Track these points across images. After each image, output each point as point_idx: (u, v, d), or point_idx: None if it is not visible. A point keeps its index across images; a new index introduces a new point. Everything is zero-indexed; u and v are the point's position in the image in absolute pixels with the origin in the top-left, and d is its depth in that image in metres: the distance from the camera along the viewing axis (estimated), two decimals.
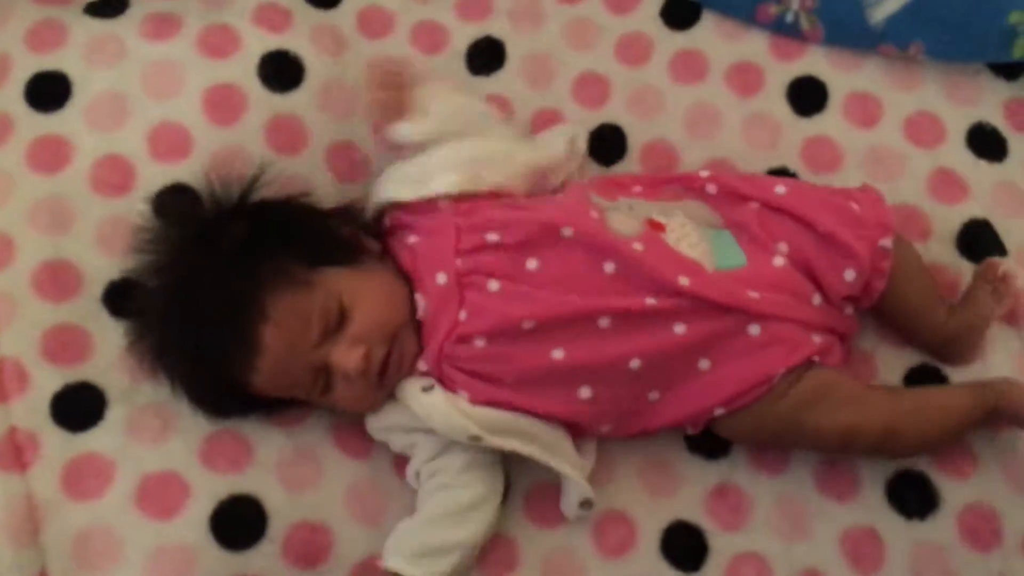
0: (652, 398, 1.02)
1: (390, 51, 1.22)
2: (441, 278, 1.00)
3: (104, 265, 1.07)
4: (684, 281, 0.99)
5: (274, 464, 1.03)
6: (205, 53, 1.14)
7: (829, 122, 1.19)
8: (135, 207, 1.08)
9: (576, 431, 1.04)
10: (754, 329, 1.00)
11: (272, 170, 1.06)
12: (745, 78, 1.22)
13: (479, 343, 0.98)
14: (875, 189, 1.07)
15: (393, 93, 1.05)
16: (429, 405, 0.99)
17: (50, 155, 1.10)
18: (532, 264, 1.00)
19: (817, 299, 1.03)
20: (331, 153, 1.15)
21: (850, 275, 1.02)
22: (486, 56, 1.23)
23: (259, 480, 1.01)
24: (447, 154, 1.05)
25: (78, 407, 1.02)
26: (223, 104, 1.13)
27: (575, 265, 1.00)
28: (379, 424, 1.04)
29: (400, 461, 1.05)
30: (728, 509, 1.06)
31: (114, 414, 1.02)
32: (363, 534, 1.02)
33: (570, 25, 1.24)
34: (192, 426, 1.03)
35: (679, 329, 0.99)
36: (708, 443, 1.08)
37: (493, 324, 0.98)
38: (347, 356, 0.97)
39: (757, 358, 1.00)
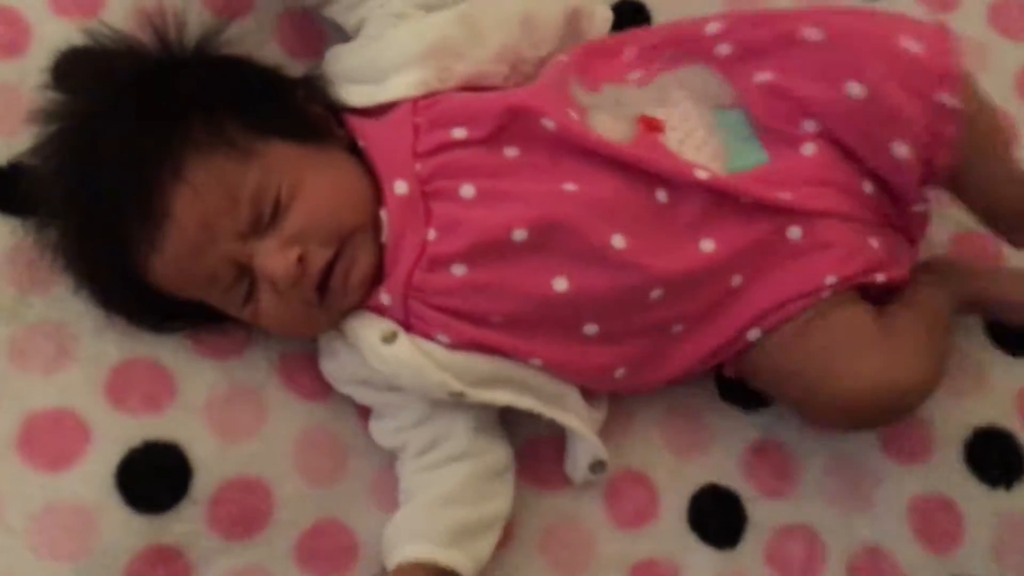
0: (675, 331, 0.81)
1: None
2: (400, 187, 0.77)
3: None
4: (702, 175, 0.78)
5: (203, 404, 0.80)
6: None
7: (899, 3, 1.00)
8: (30, 74, 0.84)
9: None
10: (795, 232, 0.79)
11: (207, 33, 0.82)
12: None
13: (457, 270, 0.76)
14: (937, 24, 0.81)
15: None
16: (393, 359, 0.77)
17: None
18: (511, 152, 0.78)
19: (868, 186, 0.81)
20: (283, 21, 0.92)
21: (900, 150, 0.77)
22: None
23: (182, 424, 0.79)
24: (403, 41, 0.81)
25: None
26: None
27: (564, 155, 0.78)
28: (339, 373, 0.82)
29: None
30: (770, 471, 0.87)
31: None
32: (313, 496, 0.81)
33: None
34: (97, 353, 0.80)
35: (707, 246, 0.78)
36: (745, 390, 0.88)
37: (473, 240, 0.75)
38: (274, 258, 0.75)
39: (800, 264, 0.80)
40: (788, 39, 0.81)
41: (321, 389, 0.83)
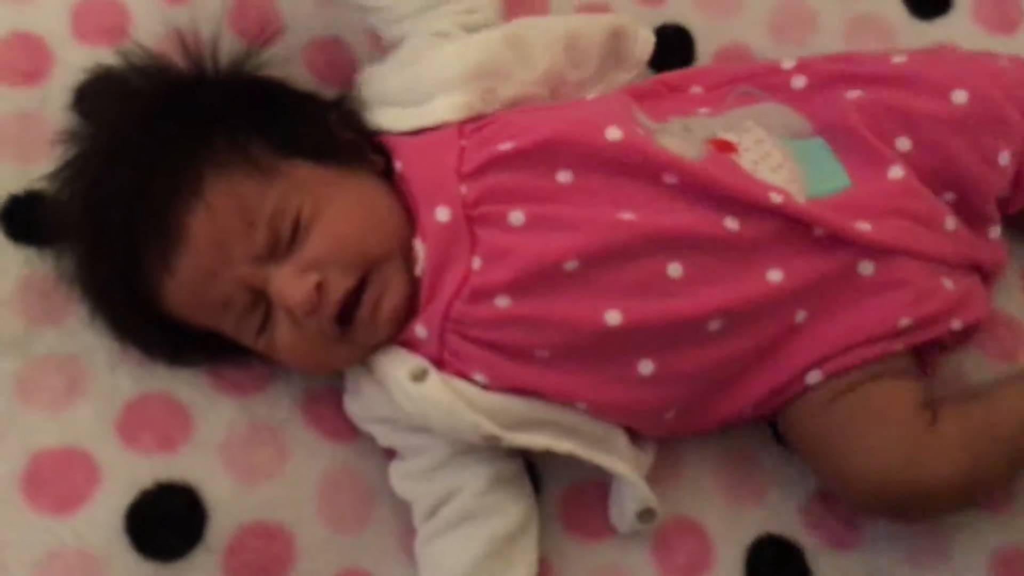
0: (732, 370, 0.74)
1: None
2: (442, 214, 0.72)
3: (3, 175, 0.81)
4: (776, 198, 0.72)
5: (220, 444, 0.75)
6: None
7: (956, 26, 0.96)
8: (50, 101, 0.81)
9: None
10: (867, 267, 0.74)
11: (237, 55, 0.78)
12: None
13: (500, 301, 0.70)
14: None
15: None
16: (423, 399, 0.71)
17: None
18: (564, 176, 0.72)
19: (951, 223, 0.76)
20: (311, 49, 0.89)
21: (1004, 158, 0.75)
22: None
23: (198, 464, 0.74)
24: (447, 62, 0.77)
25: None
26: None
27: (624, 179, 0.72)
28: (362, 411, 0.76)
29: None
30: (836, 520, 0.79)
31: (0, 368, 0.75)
32: (337, 543, 0.75)
33: None
34: (110, 387, 0.75)
35: (774, 276, 0.72)
36: None
37: (520, 270, 0.70)
38: (291, 283, 0.69)
39: (872, 303, 0.74)
40: (878, 62, 0.79)
41: (347, 429, 0.77)
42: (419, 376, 0.71)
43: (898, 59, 0.79)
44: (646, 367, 0.72)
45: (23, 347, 0.75)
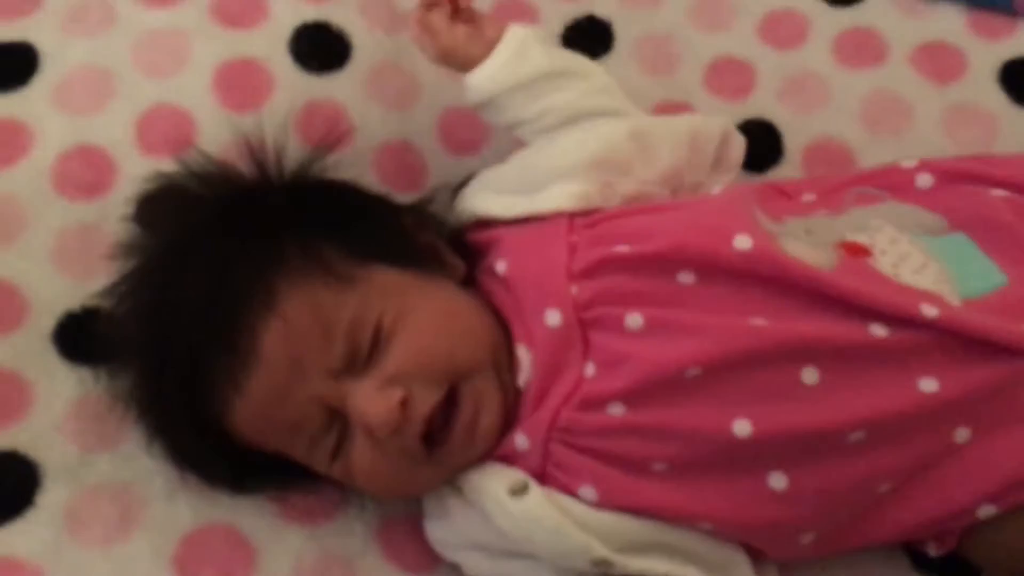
0: (881, 491, 0.65)
1: None
2: (552, 318, 0.65)
3: (60, 291, 0.76)
4: (930, 311, 0.64)
5: None
6: (220, 22, 0.87)
7: None
8: (111, 213, 0.77)
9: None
10: None
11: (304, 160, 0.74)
12: (939, 61, 0.91)
13: (615, 409, 0.63)
14: None
15: (458, 25, 0.76)
16: (524, 516, 0.63)
17: (3, 142, 0.81)
18: (686, 278, 0.66)
19: None
20: (381, 154, 0.85)
21: None
22: (588, 38, 0.93)
23: None
24: (568, 149, 0.73)
25: None
26: (240, 84, 0.85)
27: (753, 287, 0.65)
28: (449, 537, 0.69)
29: None
30: None
31: (50, 499, 0.68)
32: None
33: (695, 4, 0.95)
34: (166, 519, 0.68)
35: (928, 386, 0.63)
36: (947, 566, 0.71)
37: (638, 378, 0.63)
38: (373, 400, 0.63)
39: None
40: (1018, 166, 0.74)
41: (429, 562, 0.70)
42: (519, 490, 0.63)
43: None
44: (778, 481, 0.63)
45: (75, 475, 0.69)
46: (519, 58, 0.76)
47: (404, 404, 0.63)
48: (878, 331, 0.64)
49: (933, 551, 0.69)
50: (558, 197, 0.71)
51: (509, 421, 0.66)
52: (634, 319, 0.64)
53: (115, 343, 0.70)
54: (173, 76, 0.84)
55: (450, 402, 0.65)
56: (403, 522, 0.71)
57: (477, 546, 0.67)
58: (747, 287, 0.65)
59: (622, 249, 0.66)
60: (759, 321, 0.63)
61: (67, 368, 0.73)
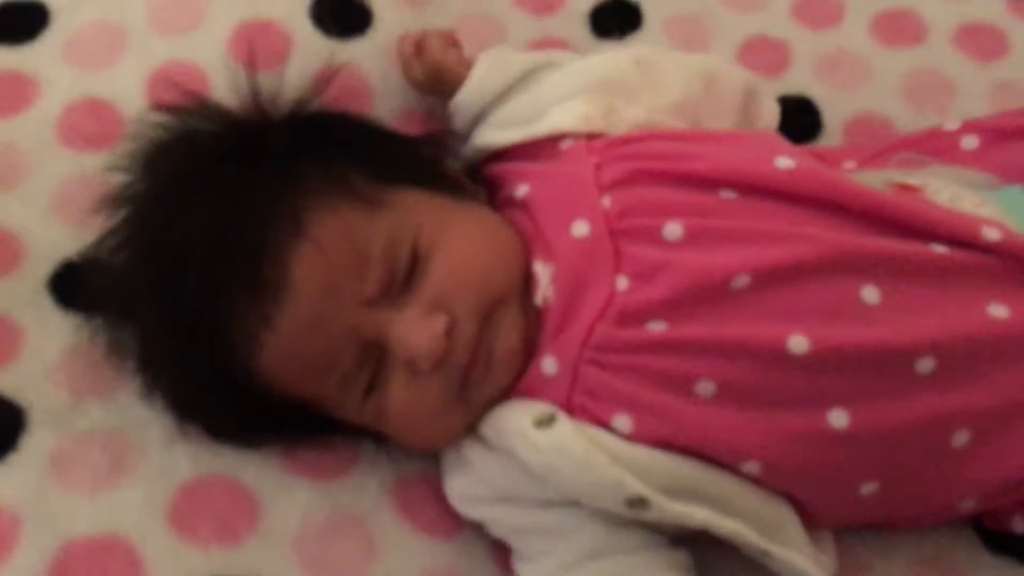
0: (954, 443, 0.58)
1: (487, 11, 0.90)
2: (580, 228, 0.60)
3: (58, 239, 0.71)
4: (992, 234, 0.59)
5: (293, 536, 0.60)
6: None
7: None
8: (117, 165, 0.73)
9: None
10: None
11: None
12: (981, 41, 0.88)
13: (655, 326, 0.57)
14: None
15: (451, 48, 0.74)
16: (551, 447, 0.57)
17: (7, 93, 0.77)
18: (728, 194, 0.61)
19: None
20: (402, 121, 0.81)
21: None
22: (617, 17, 0.90)
23: (266, 560, 0.59)
24: (566, 76, 0.70)
25: None
26: (258, 43, 0.80)
27: (799, 207, 0.60)
28: (473, 489, 0.62)
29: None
30: None
31: (35, 443, 0.62)
32: None
33: None
34: (163, 468, 0.62)
35: (998, 312, 0.58)
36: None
37: (678, 287, 0.57)
38: (418, 328, 0.57)
39: None
40: None
41: (448, 524, 0.63)
42: (545, 421, 0.57)
43: None
44: (839, 418, 0.57)
45: (64, 420, 0.63)
46: (501, 62, 0.74)
47: (449, 332, 0.58)
48: (939, 249, 0.59)
49: (1020, 526, 0.62)
50: (558, 117, 0.67)
51: (531, 347, 0.60)
52: (673, 228, 0.59)
53: (116, 290, 0.65)
54: (188, 33, 0.80)
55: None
56: (419, 482, 0.65)
57: (502, 497, 0.61)
58: (795, 205, 0.60)
59: (658, 164, 0.62)
60: (812, 230, 0.58)
61: (61, 316, 0.68)
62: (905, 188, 0.65)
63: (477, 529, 0.63)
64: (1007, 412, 0.58)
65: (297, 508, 0.61)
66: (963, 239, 0.59)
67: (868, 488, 0.59)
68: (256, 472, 0.62)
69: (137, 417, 0.63)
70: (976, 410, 0.58)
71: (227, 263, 0.58)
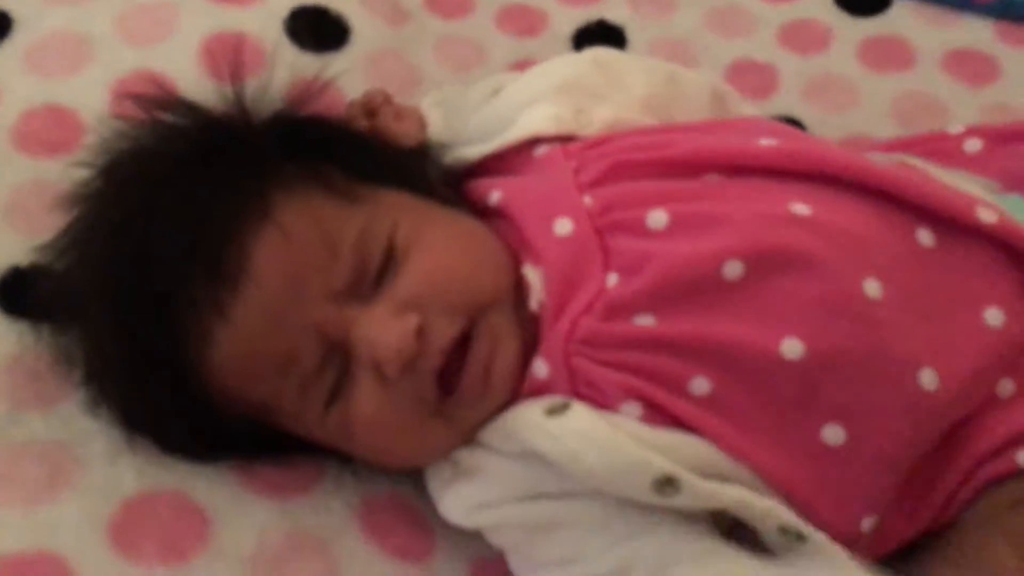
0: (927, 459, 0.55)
1: (468, 34, 0.88)
2: (563, 226, 0.57)
3: (7, 245, 0.67)
4: (987, 216, 0.57)
5: (247, 555, 0.55)
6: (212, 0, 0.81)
7: None
8: (73, 172, 0.69)
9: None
10: None
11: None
12: (971, 66, 0.87)
13: (643, 320, 0.54)
14: None
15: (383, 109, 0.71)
16: (569, 432, 0.52)
17: None
18: (714, 177, 0.58)
19: None
20: None
21: None
22: (600, 40, 0.88)
23: None
24: (527, 82, 0.68)
25: None
26: (228, 55, 0.76)
27: (787, 182, 0.57)
28: (476, 497, 0.56)
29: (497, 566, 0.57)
30: None
31: None
32: None
33: (712, 12, 0.91)
34: (105, 483, 0.56)
35: (993, 318, 0.55)
36: None
37: (665, 276, 0.53)
38: (385, 327, 0.53)
39: None
40: None
41: (419, 548, 0.58)
42: (558, 409, 0.53)
43: None
44: (835, 435, 0.52)
45: (2, 432, 0.58)
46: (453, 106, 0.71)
47: (420, 333, 0.53)
48: (925, 238, 0.56)
49: None
50: (528, 121, 0.64)
51: (529, 357, 0.56)
52: (657, 217, 0.55)
53: (65, 293, 0.60)
54: (157, 44, 0.78)
55: (464, 343, 0.55)
56: (387, 504, 0.59)
57: (519, 498, 0.55)
58: (784, 182, 0.57)
59: (636, 155, 0.59)
60: (801, 207, 0.55)
61: (6, 323, 0.63)
62: (903, 165, 0.63)
63: (450, 552, 0.57)
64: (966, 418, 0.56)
65: (252, 527, 0.56)
66: (957, 217, 0.56)
67: (867, 523, 0.54)
68: (208, 488, 0.57)
69: (80, 429, 0.58)
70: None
71: (186, 250, 0.54)
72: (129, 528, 0.54)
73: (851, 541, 0.54)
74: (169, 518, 0.55)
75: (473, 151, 0.66)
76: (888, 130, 0.83)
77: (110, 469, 0.57)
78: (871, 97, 0.85)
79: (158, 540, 0.54)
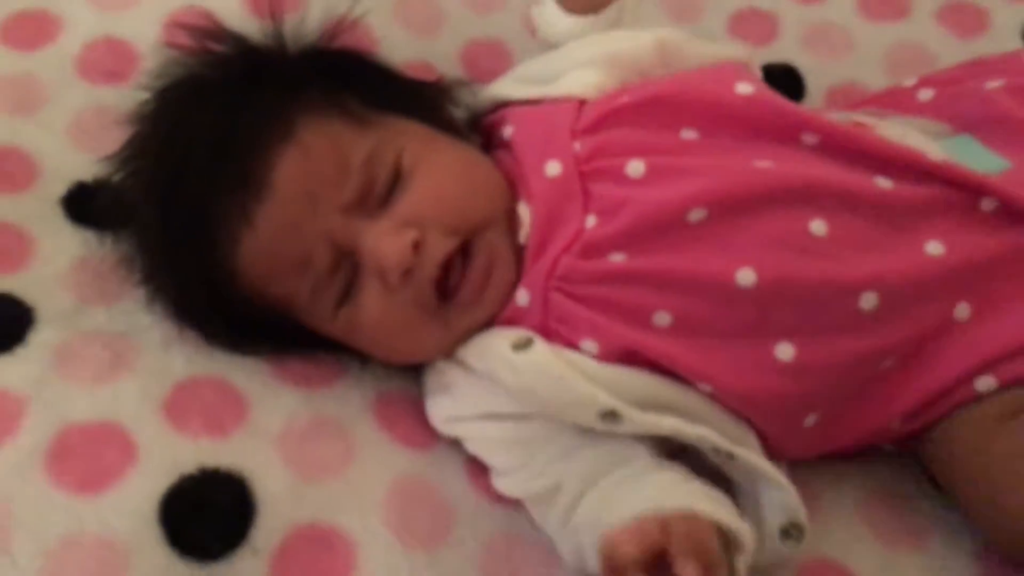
0: (882, 367, 0.63)
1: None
2: (552, 168, 0.65)
3: (73, 162, 0.76)
4: (936, 156, 0.64)
5: (278, 434, 0.64)
6: None
7: None
8: (131, 99, 0.77)
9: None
10: None
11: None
12: (963, 18, 0.92)
13: (616, 257, 0.62)
14: None
15: None
16: (528, 368, 0.61)
17: (31, 30, 0.82)
18: (689, 134, 0.65)
19: None
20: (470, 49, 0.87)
21: None
22: None
23: (250, 453, 0.63)
24: (584, 47, 0.74)
25: None
26: None
27: (758, 139, 0.65)
28: (453, 409, 0.66)
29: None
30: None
31: (42, 338, 0.66)
32: (405, 560, 0.61)
33: None
34: (160, 366, 0.66)
35: (934, 249, 0.62)
36: None
37: (637, 219, 0.61)
38: (387, 239, 0.61)
39: None
40: (1009, 58, 0.75)
41: (424, 436, 0.67)
42: (523, 345, 0.61)
43: None
44: (785, 351, 0.60)
45: (70, 321, 0.67)
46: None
47: (417, 246, 0.61)
48: (883, 183, 0.63)
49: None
50: (572, 82, 0.70)
51: (517, 282, 0.64)
52: (635, 166, 0.63)
53: (121, 204, 0.69)
54: None
55: (464, 257, 0.64)
56: (398, 398, 0.68)
57: (483, 415, 0.64)
58: (752, 139, 0.64)
59: (622, 100, 0.66)
60: (764, 163, 0.62)
61: (72, 230, 0.72)
62: (857, 124, 0.69)
63: (451, 444, 0.66)
64: (929, 340, 0.62)
65: (282, 410, 0.65)
66: (909, 163, 0.63)
67: (811, 419, 0.62)
68: (246, 376, 0.66)
69: (138, 322, 0.67)
70: (906, 343, 0.62)
71: (220, 162, 0.63)
72: (179, 405, 0.64)
73: (795, 432, 0.63)
74: (212, 399, 0.64)
75: (516, 91, 0.72)
76: (878, 79, 0.88)
77: (164, 355, 0.66)
78: (866, 46, 0.91)
79: (203, 416, 0.63)
